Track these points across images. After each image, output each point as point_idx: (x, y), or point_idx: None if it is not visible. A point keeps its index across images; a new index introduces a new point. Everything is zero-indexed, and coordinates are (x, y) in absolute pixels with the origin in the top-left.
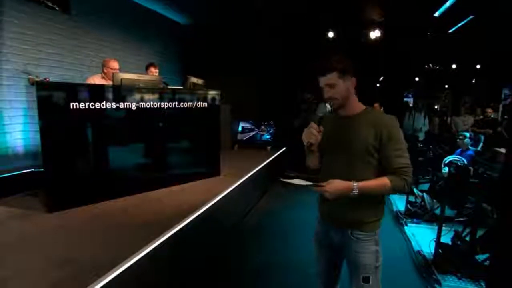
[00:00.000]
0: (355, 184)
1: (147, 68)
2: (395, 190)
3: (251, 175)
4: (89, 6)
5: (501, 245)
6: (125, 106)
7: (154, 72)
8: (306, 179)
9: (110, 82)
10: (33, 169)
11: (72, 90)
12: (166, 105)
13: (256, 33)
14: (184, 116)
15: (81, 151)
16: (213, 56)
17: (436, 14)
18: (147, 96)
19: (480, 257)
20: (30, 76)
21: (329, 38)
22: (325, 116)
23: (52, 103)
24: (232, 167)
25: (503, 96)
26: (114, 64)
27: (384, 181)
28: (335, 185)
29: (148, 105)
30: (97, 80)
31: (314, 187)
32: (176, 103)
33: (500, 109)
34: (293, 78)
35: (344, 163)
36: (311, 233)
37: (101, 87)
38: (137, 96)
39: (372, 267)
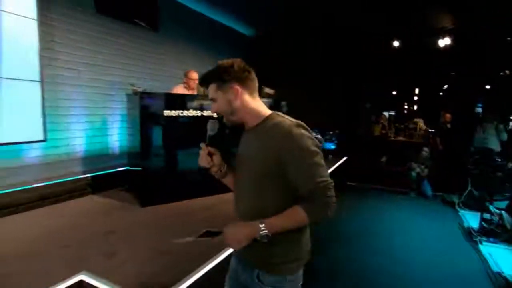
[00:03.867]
0: (261, 225)
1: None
2: (317, 219)
3: None
4: (171, 23)
5: None
6: (207, 114)
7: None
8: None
9: (190, 92)
10: (128, 167)
11: (166, 99)
12: None
13: (318, 44)
14: None
15: (170, 155)
16: (276, 67)
17: None
18: None
19: None
20: (133, 87)
21: (395, 47)
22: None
23: (151, 111)
24: None
25: None
26: (194, 75)
27: (297, 212)
28: (235, 231)
29: None
30: (180, 89)
31: (211, 237)
32: None
33: None
34: (355, 88)
35: (250, 189)
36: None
37: (187, 96)
38: None
39: None
